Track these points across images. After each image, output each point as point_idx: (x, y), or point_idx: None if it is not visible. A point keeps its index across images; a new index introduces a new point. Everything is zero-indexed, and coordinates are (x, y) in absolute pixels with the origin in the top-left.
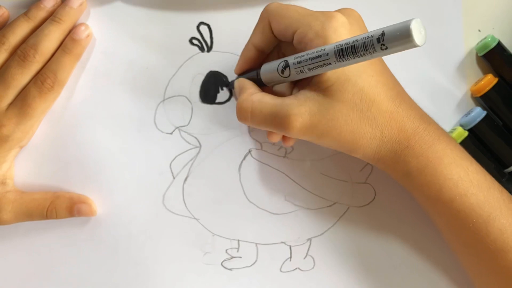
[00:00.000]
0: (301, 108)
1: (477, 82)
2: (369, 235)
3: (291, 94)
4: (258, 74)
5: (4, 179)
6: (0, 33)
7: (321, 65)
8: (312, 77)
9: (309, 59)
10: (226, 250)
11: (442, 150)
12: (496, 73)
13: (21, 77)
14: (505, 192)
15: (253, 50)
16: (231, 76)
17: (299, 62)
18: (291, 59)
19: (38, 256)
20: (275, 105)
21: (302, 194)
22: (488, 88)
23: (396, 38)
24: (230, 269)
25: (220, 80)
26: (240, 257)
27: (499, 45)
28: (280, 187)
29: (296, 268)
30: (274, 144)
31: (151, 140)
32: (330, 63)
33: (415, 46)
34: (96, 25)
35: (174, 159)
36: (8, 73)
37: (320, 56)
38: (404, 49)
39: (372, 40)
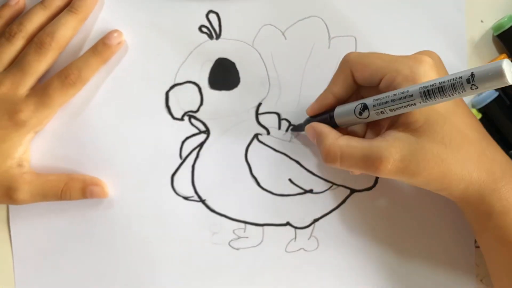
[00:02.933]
0: (391, 150)
1: (490, 61)
2: (372, 219)
3: (364, 133)
4: (331, 117)
5: (21, 161)
6: (18, 21)
7: (404, 106)
8: (395, 116)
9: (391, 101)
10: (234, 230)
11: None
12: (510, 53)
13: (38, 64)
14: None
15: (331, 98)
16: (239, 63)
17: (379, 104)
18: (369, 101)
19: (55, 233)
20: (365, 148)
21: (307, 177)
22: None
23: (487, 79)
24: (237, 249)
25: (228, 66)
26: (247, 237)
27: None
28: (286, 170)
29: (300, 249)
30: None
31: (161, 124)
32: (415, 104)
33: (506, 84)
34: (106, 12)
35: (183, 143)
36: (25, 60)
37: (404, 98)
38: (494, 87)
39: (461, 81)
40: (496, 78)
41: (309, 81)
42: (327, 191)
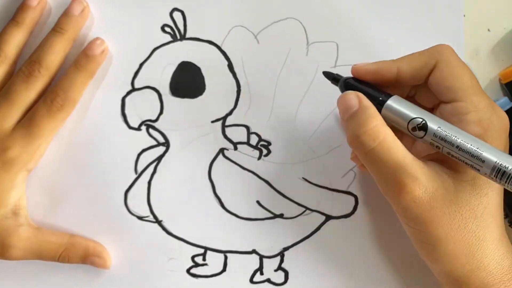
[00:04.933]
0: (423, 184)
1: (507, 67)
2: (348, 250)
3: (411, 146)
4: (380, 104)
5: (16, 209)
6: None
7: (467, 162)
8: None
9: (457, 147)
10: (192, 256)
11: None
12: None
13: (26, 94)
14: None
15: (393, 73)
16: (205, 68)
17: (442, 139)
18: (433, 126)
19: None
20: (407, 158)
21: (277, 200)
22: None
23: None
24: (196, 277)
25: (193, 71)
26: (207, 264)
27: None
28: (254, 191)
29: (266, 280)
30: (254, 147)
31: (116, 134)
32: (479, 170)
33: None
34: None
35: (139, 155)
36: (12, 90)
37: (473, 157)
38: None
39: None
40: None
41: (283, 91)
42: (299, 217)
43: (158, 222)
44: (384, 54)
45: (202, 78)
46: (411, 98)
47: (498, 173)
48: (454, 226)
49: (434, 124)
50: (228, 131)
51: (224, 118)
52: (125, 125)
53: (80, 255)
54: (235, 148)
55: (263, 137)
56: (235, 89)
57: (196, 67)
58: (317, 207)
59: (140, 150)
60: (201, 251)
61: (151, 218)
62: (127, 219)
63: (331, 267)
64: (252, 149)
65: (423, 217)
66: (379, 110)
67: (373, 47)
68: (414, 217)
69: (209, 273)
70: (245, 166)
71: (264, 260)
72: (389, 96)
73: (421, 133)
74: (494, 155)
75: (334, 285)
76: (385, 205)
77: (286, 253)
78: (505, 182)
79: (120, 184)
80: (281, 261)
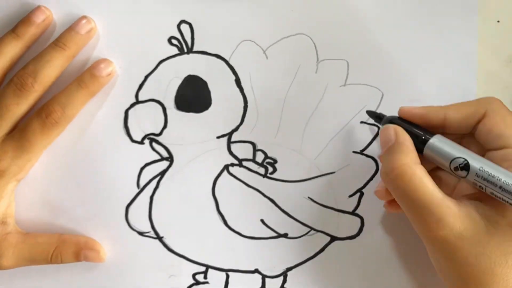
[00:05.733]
0: (457, 221)
1: None
2: (353, 272)
3: (453, 188)
4: (422, 143)
5: (4, 217)
6: None
7: (509, 202)
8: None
9: (500, 187)
10: (193, 274)
11: None
12: None
13: (17, 108)
14: None
15: (440, 119)
16: (211, 82)
17: (483, 179)
18: (475, 166)
19: None
20: (435, 198)
21: (282, 219)
22: None
23: None
24: None
25: (199, 85)
26: (208, 282)
27: None
28: (258, 209)
29: None
30: (260, 164)
31: (118, 147)
32: None
33: None
34: (63, 15)
35: (142, 170)
36: (2, 102)
37: None
38: None
39: None
40: None
41: (291, 108)
42: (304, 237)
43: (159, 238)
44: (395, 74)
45: (209, 92)
46: None
47: None
48: (480, 268)
49: (476, 163)
50: (234, 147)
51: (230, 134)
52: (127, 138)
53: (73, 251)
54: (240, 165)
55: (269, 155)
56: (242, 104)
57: (202, 81)
58: (322, 228)
59: (143, 164)
60: (203, 269)
61: (152, 234)
62: (127, 234)
63: None
64: (257, 166)
65: (445, 256)
66: (422, 149)
67: (384, 66)
68: (437, 255)
69: None
70: (250, 184)
71: (267, 280)
72: (432, 135)
73: (464, 173)
74: None
75: None
76: (392, 228)
77: (289, 273)
78: None
79: (122, 198)
80: (284, 281)
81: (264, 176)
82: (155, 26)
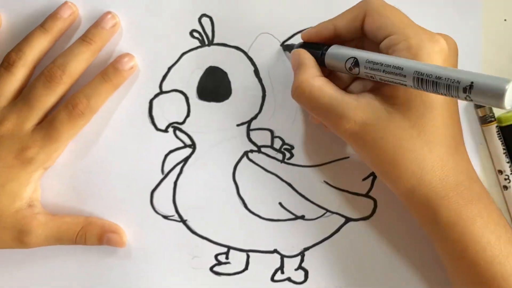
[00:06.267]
0: (357, 112)
1: None
2: (367, 251)
3: (351, 83)
4: (322, 54)
5: (31, 201)
6: (16, 47)
7: (395, 82)
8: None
9: (383, 71)
10: (216, 255)
11: (478, 211)
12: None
13: (46, 99)
14: None
15: (331, 30)
16: (231, 73)
17: (371, 69)
18: (362, 60)
19: None
20: (333, 99)
21: (299, 202)
22: None
23: (485, 95)
24: (219, 275)
25: (219, 76)
26: (230, 263)
27: None
28: (276, 192)
29: (287, 279)
30: (277, 150)
31: (143, 135)
32: (405, 84)
33: (502, 108)
34: (88, 11)
35: (166, 157)
36: (33, 93)
37: (396, 74)
38: (488, 105)
39: (458, 86)
40: (494, 98)
41: None
42: (320, 218)
43: (183, 221)
44: None
45: (229, 82)
46: None
47: (420, 82)
48: (388, 147)
49: (362, 59)
50: (253, 134)
51: (249, 122)
52: (152, 127)
53: (97, 233)
54: (259, 151)
55: (286, 141)
56: (261, 94)
57: (223, 72)
58: (337, 210)
59: (167, 151)
60: (224, 250)
61: (176, 217)
62: (152, 218)
63: (350, 267)
64: (275, 152)
65: (359, 145)
66: (323, 60)
67: None
68: (353, 146)
69: (231, 271)
70: (269, 169)
71: (285, 259)
72: (330, 46)
73: (357, 70)
74: (412, 67)
75: (352, 284)
76: (403, 209)
77: (306, 253)
78: (431, 89)
79: (147, 184)
80: (302, 260)
81: (282, 161)
82: (177, 20)
